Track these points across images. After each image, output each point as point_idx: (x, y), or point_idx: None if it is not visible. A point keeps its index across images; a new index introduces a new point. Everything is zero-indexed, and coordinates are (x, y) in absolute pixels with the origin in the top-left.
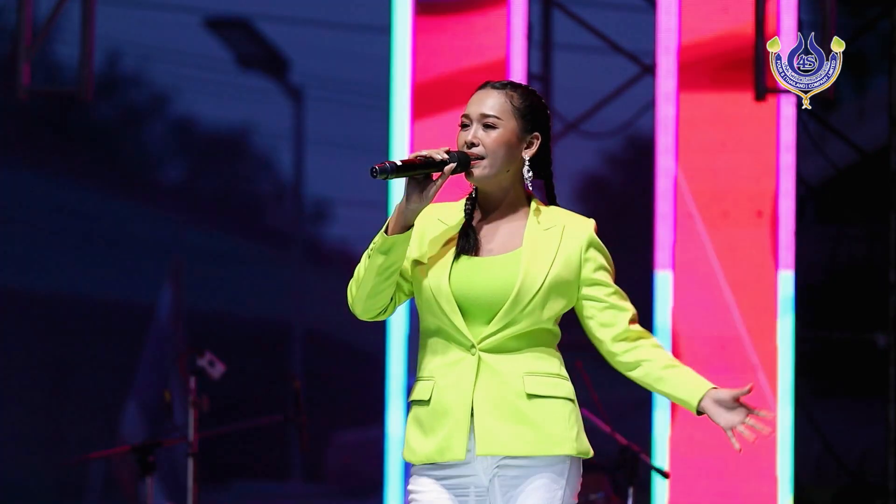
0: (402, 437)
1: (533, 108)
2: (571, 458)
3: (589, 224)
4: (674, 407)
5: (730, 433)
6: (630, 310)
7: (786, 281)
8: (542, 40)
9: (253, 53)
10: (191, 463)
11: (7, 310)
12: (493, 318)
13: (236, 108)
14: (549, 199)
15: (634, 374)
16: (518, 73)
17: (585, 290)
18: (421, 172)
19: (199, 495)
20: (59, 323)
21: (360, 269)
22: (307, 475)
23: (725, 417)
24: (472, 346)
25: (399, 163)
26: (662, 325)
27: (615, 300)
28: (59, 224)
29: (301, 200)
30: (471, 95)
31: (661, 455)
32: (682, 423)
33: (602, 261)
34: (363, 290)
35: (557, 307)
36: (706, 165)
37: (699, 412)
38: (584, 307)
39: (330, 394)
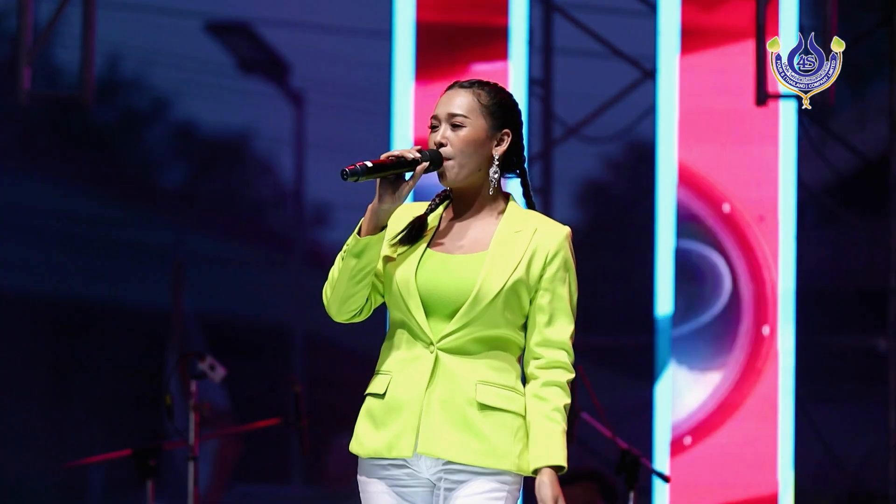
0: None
1: (501, 105)
2: (514, 474)
3: (562, 231)
4: (674, 409)
5: None
6: (566, 332)
7: (786, 285)
8: (542, 45)
9: (254, 58)
10: (191, 466)
11: (8, 313)
12: (453, 318)
13: (237, 113)
14: (525, 196)
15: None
16: (519, 78)
17: (537, 294)
18: (393, 172)
19: (199, 499)
20: (59, 327)
21: (333, 272)
22: (308, 479)
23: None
24: (431, 343)
25: (370, 164)
26: (663, 331)
27: (557, 317)
28: (60, 228)
29: (302, 205)
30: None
31: (662, 459)
32: (683, 427)
33: (564, 273)
34: (337, 293)
35: (519, 311)
36: (707, 171)
37: (535, 472)
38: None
39: (330, 397)
